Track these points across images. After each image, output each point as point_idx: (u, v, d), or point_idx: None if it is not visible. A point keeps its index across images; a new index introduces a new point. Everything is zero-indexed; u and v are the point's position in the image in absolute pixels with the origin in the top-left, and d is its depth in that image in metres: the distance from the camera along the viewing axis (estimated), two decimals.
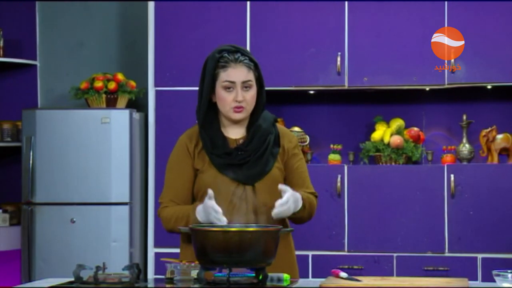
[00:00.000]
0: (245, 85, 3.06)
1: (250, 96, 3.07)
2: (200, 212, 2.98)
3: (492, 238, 4.79)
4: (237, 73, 3.05)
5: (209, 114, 3.11)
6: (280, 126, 3.19)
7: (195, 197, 3.12)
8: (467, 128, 5.07)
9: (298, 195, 3.00)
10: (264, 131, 3.09)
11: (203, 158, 3.09)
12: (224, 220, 2.89)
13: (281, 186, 2.98)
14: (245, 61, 3.07)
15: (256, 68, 3.09)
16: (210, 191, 2.94)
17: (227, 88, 3.06)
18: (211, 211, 2.91)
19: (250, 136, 3.09)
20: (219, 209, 2.91)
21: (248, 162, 3.06)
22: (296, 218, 3.07)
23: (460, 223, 4.83)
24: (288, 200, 2.94)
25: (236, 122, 3.11)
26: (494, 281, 2.71)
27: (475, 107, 5.17)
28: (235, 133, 3.12)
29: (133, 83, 5.41)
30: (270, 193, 3.03)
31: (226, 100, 3.06)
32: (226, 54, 3.08)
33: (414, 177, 4.90)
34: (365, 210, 4.92)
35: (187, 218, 3.01)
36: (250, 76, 3.07)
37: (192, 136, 3.15)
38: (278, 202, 2.94)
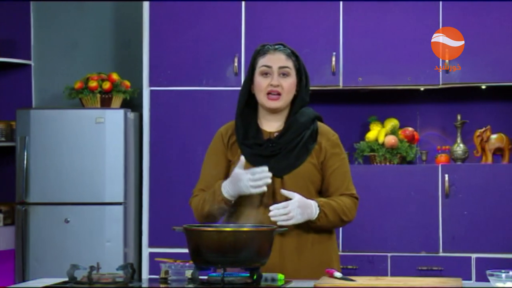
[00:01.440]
0: (282, 72, 3.06)
1: (287, 84, 3.06)
2: (226, 186, 2.97)
3: (486, 238, 4.80)
4: (274, 58, 3.06)
5: (248, 106, 3.11)
6: (321, 124, 3.15)
7: None
8: (461, 128, 5.08)
9: (309, 203, 2.96)
10: (300, 125, 3.06)
11: (236, 150, 3.09)
12: (259, 173, 2.91)
13: (284, 191, 2.96)
14: (285, 50, 3.09)
15: (297, 60, 3.09)
16: (242, 158, 2.95)
17: (264, 74, 3.06)
18: (242, 177, 2.90)
19: (284, 129, 3.07)
20: (265, 168, 2.91)
21: (278, 155, 3.04)
22: (320, 226, 3.02)
23: (454, 223, 4.83)
24: (288, 206, 2.92)
25: (273, 113, 3.09)
26: (488, 281, 2.71)
27: (469, 107, 5.17)
28: (271, 126, 3.11)
29: (127, 83, 5.40)
30: (299, 187, 3.01)
31: (261, 85, 3.05)
32: (268, 46, 3.11)
33: (409, 177, 4.90)
34: (359, 210, 4.88)
35: (213, 195, 3.00)
36: (289, 64, 3.07)
37: (229, 128, 3.15)
38: (273, 206, 2.93)
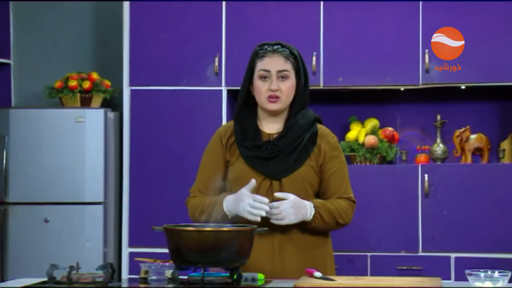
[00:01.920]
0: (281, 75, 3.03)
1: (285, 87, 3.03)
2: (228, 201, 2.94)
3: (465, 237, 4.82)
4: (273, 62, 3.04)
5: (247, 107, 3.08)
6: (321, 126, 3.13)
7: (226, 190, 3.07)
8: (441, 128, 5.10)
9: (304, 203, 2.96)
10: (300, 127, 3.05)
11: (234, 151, 3.07)
12: (260, 211, 2.89)
13: (278, 194, 2.95)
14: (284, 51, 3.05)
15: (296, 61, 3.06)
16: (253, 181, 2.92)
17: (263, 78, 3.04)
18: (244, 199, 2.88)
19: (284, 131, 3.05)
20: (265, 199, 2.90)
21: (277, 157, 3.02)
22: (316, 228, 3.01)
23: (433, 223, 4.85)
24: (281, 205, 2.92)
25: (273, 115, 3.07)
26: (467, 280, 2.72)
27: (449, 107, 5.20)
28: (271, 127, 3.09)
29: (108, 82, 5.39)
30: (298, 190, 3.00)
31: (261, 90, 3.03)
32: (266, 46, 3.08)
33: (388, 177, 4.92)
34: None
35: (213, 207, 2.97)
36: (287, 66, 3.04)
37: (228, 129, 3.12)
38: (270, 204, 2.93)
